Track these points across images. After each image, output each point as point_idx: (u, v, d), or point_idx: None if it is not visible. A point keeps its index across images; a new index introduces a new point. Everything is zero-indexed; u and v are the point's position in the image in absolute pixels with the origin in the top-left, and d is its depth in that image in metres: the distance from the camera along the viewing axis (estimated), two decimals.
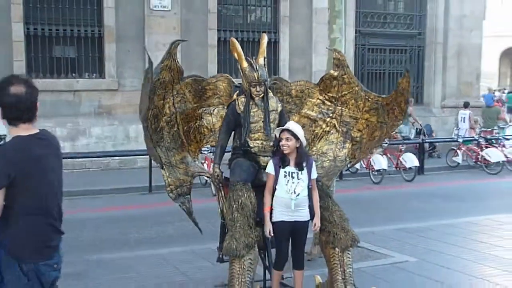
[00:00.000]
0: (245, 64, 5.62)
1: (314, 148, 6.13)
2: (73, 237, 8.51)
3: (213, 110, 5.96)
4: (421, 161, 15.17)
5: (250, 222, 5.21)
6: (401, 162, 14.39)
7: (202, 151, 11.53)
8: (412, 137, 16.84)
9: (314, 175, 5.34)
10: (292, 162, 5.22)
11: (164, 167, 5.67)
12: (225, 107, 5.87)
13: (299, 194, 5.17)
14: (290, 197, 5.16)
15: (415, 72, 19.24)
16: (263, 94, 5.58)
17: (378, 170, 13.80)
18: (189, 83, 5.78)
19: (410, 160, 14.19)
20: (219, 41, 16.43)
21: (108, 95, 15.53)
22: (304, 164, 5.23)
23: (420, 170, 14.82)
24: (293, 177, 5.19)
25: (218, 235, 5.78)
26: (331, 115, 6.10)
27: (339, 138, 6.11)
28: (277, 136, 5.28)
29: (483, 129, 17.50)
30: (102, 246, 8.16)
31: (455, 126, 17.85)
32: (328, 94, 6.07)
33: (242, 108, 5.59)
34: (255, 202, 5.28)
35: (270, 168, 5.27)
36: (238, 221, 5.16)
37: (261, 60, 5.66)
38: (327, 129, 6.11)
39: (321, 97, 6.09)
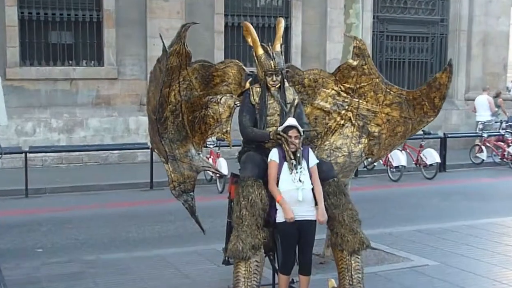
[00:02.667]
0: (260, 51, 5.55)
1: (327, 142, 6.06)
2: (70, 237, 8.53)
3: (220, 99, 5.86)
4: (443, 157, 15.11)
5: (259, 221, 5.15)
6: (421, 158, 14.34)
7: (207, 145, 11.66)
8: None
9: (313, 161, 5.30)
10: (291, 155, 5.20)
11: (168, 161, 5.63)
12: (233, 96, 5.82)
13: (304, 182, 5.13)
14: (296, 186, 5.11)
15: (438, 62, 19.18)
16: (279, 84, 5.52)
17: (396, 167, 13.74)
18: (196, 69, 5.69)
19: (431, 156, 14.13)
20: (226, 26, 16.44)
21: (107, 84, 15.51)
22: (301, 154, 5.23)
23: (441, 167, 14.79)
24: (295, 167, 5.15)
25: (224, 235, 5.76)
26: (346, 107, 6.04)
27: (354, 132, 6.06)
28: (282, 132, 5.18)
29: None
30: (100, 246, 8.17)
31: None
32: (345, 85, 6.00)
33: (257, 99, 5.52)
34: (266, 202, 5.19)
35: (274, 155, 5.19)
36: (246, 220, 5.11)
37: (278, 47, 5.58)
38: (342, 122, 6.05)
39: (336, 88, 6.01)
